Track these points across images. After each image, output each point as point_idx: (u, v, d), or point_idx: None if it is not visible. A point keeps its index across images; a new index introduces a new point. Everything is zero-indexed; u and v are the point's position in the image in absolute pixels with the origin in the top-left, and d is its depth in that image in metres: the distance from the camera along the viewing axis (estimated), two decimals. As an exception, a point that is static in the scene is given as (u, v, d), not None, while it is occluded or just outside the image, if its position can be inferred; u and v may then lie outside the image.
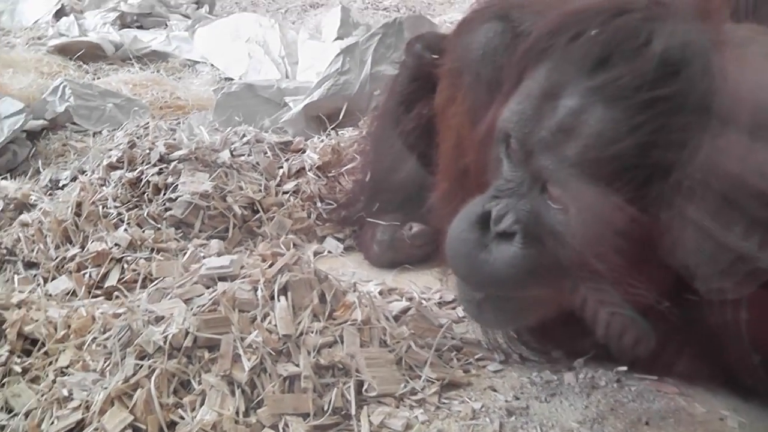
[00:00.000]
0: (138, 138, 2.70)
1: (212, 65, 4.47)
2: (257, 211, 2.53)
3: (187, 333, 1.60)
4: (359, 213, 2.51)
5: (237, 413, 1.52)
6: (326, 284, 1.78)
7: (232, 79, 3.88)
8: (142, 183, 2.49)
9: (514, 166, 1.53)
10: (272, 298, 1.70)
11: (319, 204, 2.63)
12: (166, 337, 1.59)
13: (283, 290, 1.72)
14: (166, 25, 5.38)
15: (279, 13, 5.66)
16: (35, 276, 2.26)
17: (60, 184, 2.83)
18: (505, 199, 1.53)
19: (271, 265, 1.78)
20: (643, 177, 1.37)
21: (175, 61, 4.58)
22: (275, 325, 1.65)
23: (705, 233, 1.36)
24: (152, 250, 2.30)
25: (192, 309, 1.65)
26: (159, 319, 1.65)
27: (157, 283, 1.84)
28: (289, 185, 2.67)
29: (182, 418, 1.53)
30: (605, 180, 1.37)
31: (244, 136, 2.84)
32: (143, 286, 2.11)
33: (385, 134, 2.49)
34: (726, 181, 1.33)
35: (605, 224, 1.39)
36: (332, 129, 3.01)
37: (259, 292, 1.70)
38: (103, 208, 2.43)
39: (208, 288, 1.74)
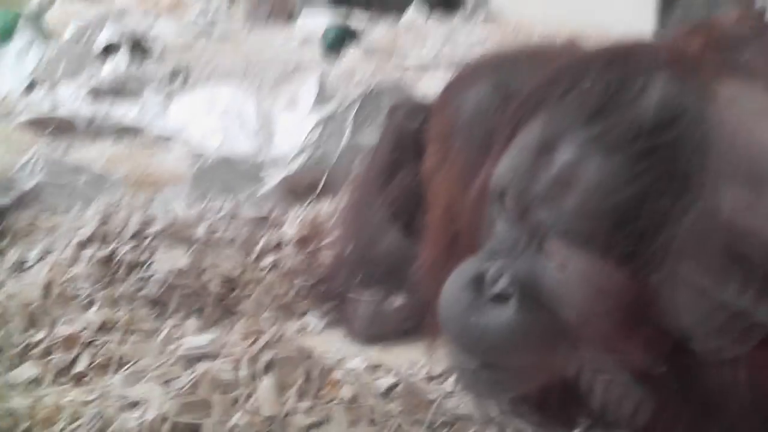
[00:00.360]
0: (110, 214, 2.60)
1: (186, 139, 4.40)
2: (234, 288, 2.44)
3: (165, 419, 1.49)
4: (340, 287, 2.43)
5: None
6: (311, 361, 1.70)
7: (202, 154, 3.80)
8: (115, 261, 2.40)
9: (510, 224, 1.47)
10: (255, 377, 1.61)
11: (298, 279, 2.54)
12: (141, 425, 1.48)
13: (267, 369, 1.63)
14: (141, 96, 5.33)
15: (254, 83, 5.63)
16: (-4, 364, 2.14)
17: (26, 265, 2.71)
18: (500, 260, 1.46)
19: (253, 343, 1.69)
20: (639, 232, 1.32)
21: (148, 135, 4.51)
22: (259, 407, 1.55)
23: (701, 289, 1.31)
24: (125, 331, 2.20)
25: (169, 392, 1.55)
26: (134, 405, 1.55)
27: (130, 366, 1.73)
28: (267, 261, 2.59)
29: None
30: (602, 234, 1.32)
31: (220, 210, 2.76)
32: (116, 371, 2.00)
33: (365, 205, 2.43)
34: (721, 236, 1.29)
35: (603, 281, 1.34)
36: (310, 202, 2.94)
37: (241, 372, 1.61)
38: (73, 288, 2.33)
39: (186, 369, 1.64)
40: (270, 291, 2.45)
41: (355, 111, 3.01)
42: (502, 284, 1.44)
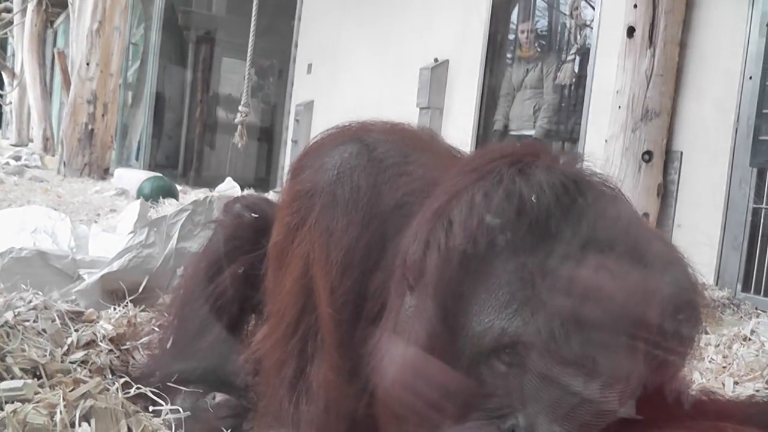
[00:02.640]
0: None
1: (-10, 255, 4.14)
2: (40, 377, 2.25)
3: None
4: (157, 383, 2.29)
5: None
6: (134, 419, 1.57)
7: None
8: None
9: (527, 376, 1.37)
10: (72, 425, 1.47)
11: (110, 376, 2.38)
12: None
13: (86, 417, 1.49)
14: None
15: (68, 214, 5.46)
16: None
17: None
18: (521, 413, 1.36)
19: (71, 391, 1.55)
20: None
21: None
22: (74, 454, 1.41)
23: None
24: None
25: (-28, 431, 1.39)
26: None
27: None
28: (78, 355, 2.41)
29: None
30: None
31: (30, 301, 2.58)
32: None
33: (193, 298, 2.34)
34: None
35: None
36: (130, 301, 2.80)
37: (57, 416, 1.46)
38: None
39: (-7, 412, 1.48)
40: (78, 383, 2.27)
41: (185, 217, 2.95)
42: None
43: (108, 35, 10.72)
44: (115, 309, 2.74)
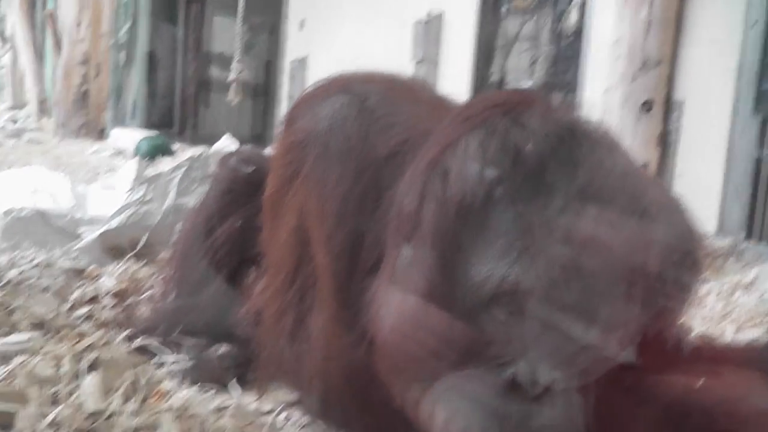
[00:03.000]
0: None
1: (-12, 215, 4.15)
2: (46, 333, 2.28)
3: (-25, 404, 1.35)
4: (160, 335, 2.32)
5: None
6: (139, 369, 1.60)
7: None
8: None
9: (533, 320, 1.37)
10: (78, 375, 1.50)
11: (114, 330, 2.41)
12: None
13: (91, 368, 1.52)
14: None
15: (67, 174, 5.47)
16: None
17: None
18: (522, 360, 1.36)
19: (76, 343, 1.58)
20: None
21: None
22: (82, 403, 1.43)
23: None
24: None
25: (-19, 382, 1.42)
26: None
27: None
28: (82, 310, 2.45)
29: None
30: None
31: (33, 259, 2.61)
32: None
33: (191, 252, 2.37)
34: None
35: None
36: (130, 257, 2.83)
37: (62, 369, 1.49)
38: None
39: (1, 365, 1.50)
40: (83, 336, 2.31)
41: (182, 173, 2.96)
42: (542, 379, 1.35)
43: (98, -5, 10.66)
44: (116, 265, 2.77)
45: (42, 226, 2.93)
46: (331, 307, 1.74)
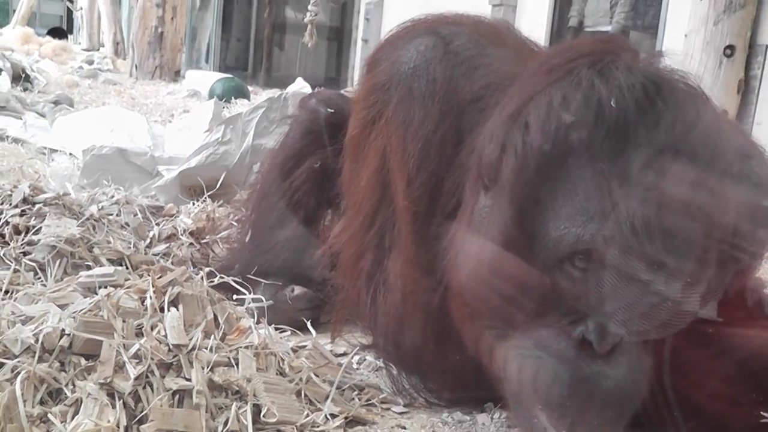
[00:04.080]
0: (-5, 182, 2.46)
1: (71, 154, 4.24)
2: (126, 267, 2.32)
3: (63, 333, 1.38)
4: (237, 275, 2.35)
5: (117, 426, 1.31)
6: (219, 306, 1.62)
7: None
8: (1, 223, 2.25)
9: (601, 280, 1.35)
10: (161, 310, 1.52)
11: (191, 268, 2.44)
12: (37, 337, 1.37)
13: (174, 303, 1.54)
14: (23, 117, 5.15)
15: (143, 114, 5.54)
16: None
17: None
18: (590, 318, 1.36)
19: (159, 278, 1.60)
20: None
21: (31, 147, 4.33)
22: (165, 336, 1.46)
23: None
24: (8, 291, 2.05)
25: (69, 313, 1.45)
26: (28, 321, 1.43)
27: (24, 291, 1.61)
28: (160, 247, 2.48)
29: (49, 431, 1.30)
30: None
31: (113, 196, 2.65)
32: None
33: (270, 192, 2.38)
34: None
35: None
36: (208, 196, 2.86)
37: (147, 302, 1.51)
38: (-49, 243, 2.17)
39: (87, 297, 1.53)
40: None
41: (260, 114, 2.97)
42: (610, 338, 1.35)
43: (174, -63, 10.69)
44: (194, 204, 2.79)
45: (121, 164, 2.97)
46: (409, 249, 1.73)
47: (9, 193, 2.35)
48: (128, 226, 2.50)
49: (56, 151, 4.32)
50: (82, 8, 18.95)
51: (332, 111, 2.26)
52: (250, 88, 8.89)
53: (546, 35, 8.44)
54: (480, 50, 1.76)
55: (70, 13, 24.32)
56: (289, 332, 1.85)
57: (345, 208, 2.04)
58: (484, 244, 1.46)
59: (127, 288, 1.55)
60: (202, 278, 1.69)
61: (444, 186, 1.67)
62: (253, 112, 3.00)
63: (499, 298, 1.43)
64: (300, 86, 10.93)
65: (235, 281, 2.06)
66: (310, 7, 10.31)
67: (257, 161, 2.83)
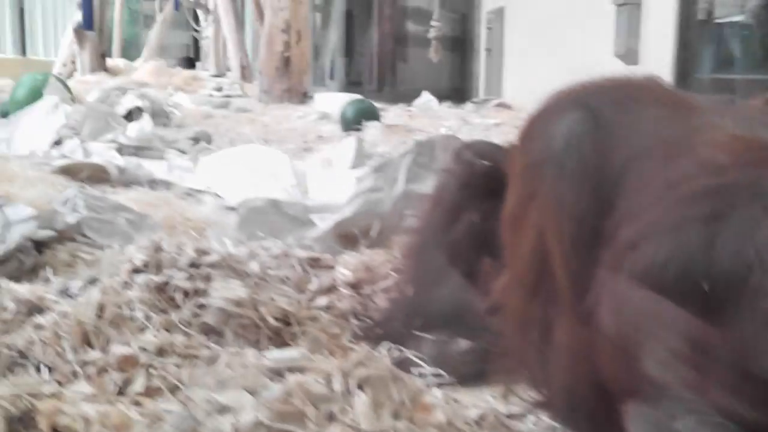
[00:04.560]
0: (161, 244, 2.54)
1: (216, 194, 4.36)
2: (289, 324, 2.36)
3: (260, 424, 1.41)
4: (400, 329, 2.35)
5: None
6: (402, 383, 1.62)
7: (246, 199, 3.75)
8: (170, 287, 2.33)
9: None
10: (349, 393, 1.53)
11: (353, 321, 2.46)
12: (236, 428, 1.39)
13: (360, 386, 1.55)
14: (165, 156, 5.34)
15: (281, 147, 5.66)
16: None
17: (72, 291, 2.63)
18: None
19: (343, 358, 1.61)
20: None
21: (177, 189, 4.48)
22: (356, 421, 1.46)
23: None
24: (182, 356, 2.11)
25: (261, 401, 1.47)
26: (224, 410, 1.46)
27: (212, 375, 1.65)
28: (322, 301, 2.51)
29: None
30: None
31: (270, 250, 2.70)
32: (174, 393, 1.92)
33: (428, 245, 2.38)
34: None
35: None
36: (364, 246, 2.88)
37: (334, 386, 1.53)
38: (127, 311, 2.25)
39: (274, 381, 1.56)
40: (326, 329, 2.37)
41: (410, 159, 2.98)
42: None
43: (296, -36, 10.91)
44: (349, 254, 2.82)
45: (275, 215, 3.02)
46: (572, 322, 1.70)
47: (175, 256, 2.43)
48: (288, 279, 2.55)
49: (201, 191, 4.45)
50: (208, 37, 19.65)
51: (488, 164, 2.25)
52: (377, 104, 9.00)
53: (673, 30, 8.22)
54: (631, 115, 1.74)
55: (195, 41, 25.26)
56: (464, 392, 1.84)
57: (506, 269, 2.02)
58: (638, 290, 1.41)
59: (313, 371, 1.57)
60: (381, 352, 1.70)
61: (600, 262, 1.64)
62: (403, 157, 3.02)
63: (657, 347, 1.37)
64: (426, 100, 10.97)
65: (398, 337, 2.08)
66: (433, 23, 10.37)
67: (409, 207, 2.83)
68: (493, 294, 2.18)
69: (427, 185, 2.89)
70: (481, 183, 2.26)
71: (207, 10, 19.93)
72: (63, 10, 24.55)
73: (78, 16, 16.61)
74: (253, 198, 3.09)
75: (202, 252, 2.44)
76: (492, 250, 2.28)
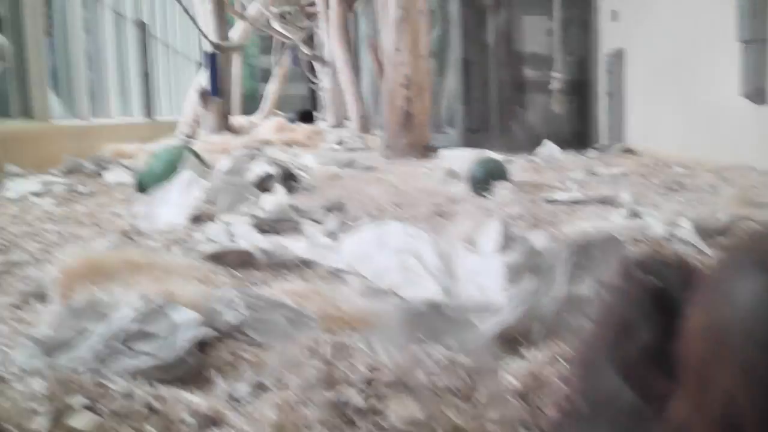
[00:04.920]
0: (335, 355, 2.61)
1: (360, 275, 4.43)
2: (465, 441, 2.38)
3: None
4: (575, 445, 2.34)
5: None
6: None
7: (404, 299, 3.79)
8: (346, 405, 2.38)
9: None
10: None
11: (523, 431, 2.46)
12: None
13: None
14: (298, 230, 5.48)
15: (419, 220, 5.73)
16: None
17: (237, 395, 2.71)
18: None
19: None
20: None
21: (321, 269, 4.58)
22: None
23: None
24: (364, 484, 2.17)
25: None
26: None
27: None
28: (492, 413, 2.52)
29: None
30: None
31: (433, 356, 2.73)
32: None
33: (599, 362, 2.36)
34: None
35: None
36: (525, 351, 2.87)
37: None
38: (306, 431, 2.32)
39: None
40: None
41: (567, 259, 2.97)
42: None
43: (414, 20, 11.04)
44: (513, 359, 2.82)
45: (434, 317, 3.06)
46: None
47: (347, 372, 2.48)
48: (458, 390, 2.56)
49: (344, 271, 4.53)
50: (325, 88, 20.12)
51: (660, 285, 2.23)
52: (498, 153, 9.01)
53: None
54: None
55: (312, 92, 25.87)
56: None
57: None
58: None
59: None
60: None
61: None
62: (557, 258, 3.02)
63: None
64: (549, 150, 10.91)
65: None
66: (554, 74, 10.33)
67: (572, 311, 2.83)
68: (673, 420, 2.15)
69: (587, 289, 2.89)
70: (652, 302, 2.24)
71: (324, 62, 20.41)
72: (177, 71, 25.53)
73: (202, 80, 17.23)
74: (410, 300, 3.14)
75: (374, 368, 2.49)
76: (667, 372, 2.25)
